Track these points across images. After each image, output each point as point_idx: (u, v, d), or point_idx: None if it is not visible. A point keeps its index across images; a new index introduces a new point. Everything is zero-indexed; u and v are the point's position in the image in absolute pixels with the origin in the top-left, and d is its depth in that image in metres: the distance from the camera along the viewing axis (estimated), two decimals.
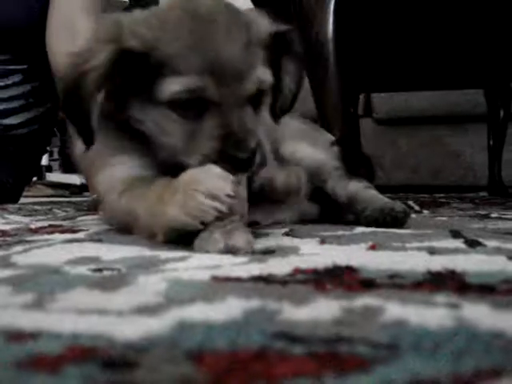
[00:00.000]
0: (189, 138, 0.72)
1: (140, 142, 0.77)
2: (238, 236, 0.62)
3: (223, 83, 0.69)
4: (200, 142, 0.71)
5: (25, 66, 1.72)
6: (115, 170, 0.78)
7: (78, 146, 0.82)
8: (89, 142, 0.76)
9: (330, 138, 1.16)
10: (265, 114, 0.86)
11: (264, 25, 0.78)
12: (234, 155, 0.69)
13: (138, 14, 0.75)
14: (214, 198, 0.62)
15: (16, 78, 1.72)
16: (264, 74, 0.74)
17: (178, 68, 0.69)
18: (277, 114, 0.88)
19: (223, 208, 0.63)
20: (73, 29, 1.48)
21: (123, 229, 0.78)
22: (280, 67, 0.82)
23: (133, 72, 0.71)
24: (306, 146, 1.07)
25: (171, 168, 0.72)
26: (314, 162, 1.05)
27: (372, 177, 1.09)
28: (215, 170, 0.66)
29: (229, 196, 0.63)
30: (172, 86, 0.69)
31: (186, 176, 0.67)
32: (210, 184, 0.63)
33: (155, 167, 0.77)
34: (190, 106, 0.71)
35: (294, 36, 0.82)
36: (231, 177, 0.65)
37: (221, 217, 0.63)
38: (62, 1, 1.54)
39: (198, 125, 0.71)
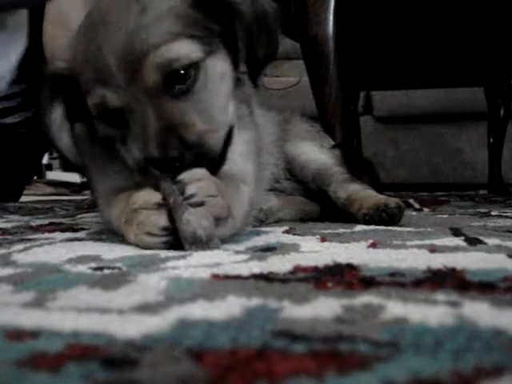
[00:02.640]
0: (124, 144, 0.70)
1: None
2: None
3: (119, 87, 0.64)
4: (125, 150, 0.70)
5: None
6: (105, 179, 0.79)
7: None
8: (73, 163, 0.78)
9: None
10: (263, 117, 0.83)
11: None
12: (158, 158, 0.64)
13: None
14: (151, 234, 0.63)
15: (13, 76, 1.72)
16: (173, 50, 0.64)
17: (84, 85, 0.68)
18: (250, 74, 0.75)
19: (166, 239, 0.63)
20: (68, 23, 1.48)
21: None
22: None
23: (70, 94, 0.72)
24: (311, 149, 1.08)
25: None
26: (319, 165, 1.05)
27: (376, 181, 1.08)
28: (141, 199, 0.65)
29: (164, 228, 0.62)
30: (89, 104, 0.68)
31: (128, 206, 0.66)
32: (144, 222, 0.63)
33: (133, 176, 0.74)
34: (106, 115, 0.68)
35: None
36: (157, 198, 0.63)
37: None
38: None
39: (126, 130, 0.68)
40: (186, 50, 0.65)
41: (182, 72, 0.65)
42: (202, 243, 0.61)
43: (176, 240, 0.63)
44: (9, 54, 1.54)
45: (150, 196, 0.65)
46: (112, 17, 0.65)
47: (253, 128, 0.84)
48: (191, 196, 0.62)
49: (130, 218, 0.66)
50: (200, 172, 0.65)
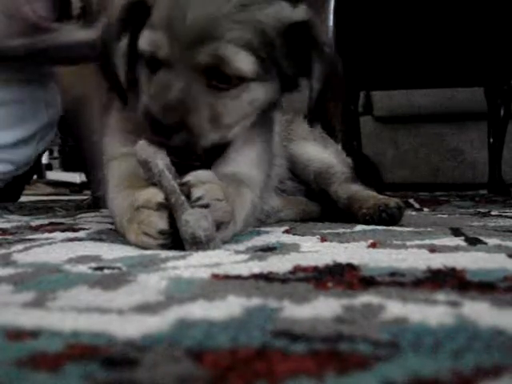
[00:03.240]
0: (148, 91, 0.71)
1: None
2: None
3: (177, 45, 0.66)
4: (143, 97, 0.71)
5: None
6: (114, 167, 0.79)
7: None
8: (123, 98, 0.77)
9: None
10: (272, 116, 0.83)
11: (279, 13, 0.70)
12: (154, 116, 0.66)
13: None
14: (148, 235, 0.63)
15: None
16: (232, 55, 0.66)
17: (152, 22, 0.69)
18: (310, 121, 0.81)
19: (163, 242, 0.63)
20: None
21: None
22: (307, 64, 0.74)
23: (137, 25, 0.71)
24: (314, 149, 1.08)
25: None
26: (322, 164, 1.05)
27: (379, 181, 1.08)
28: (143, 197, 0.65)
29: (161, 232, 0.63)
30: (142, 40, 0.70)
31: (131, 203, 0.67)
32: (144, 222, 0.64)
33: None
34: (151, 61, 0.69)
35: (315, 26, 0.73)
36: (159, 197, 0.63)
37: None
38: None
39: (152, 80, 0.70)
40: (244, 63, 0.67)
41: (228, 77, 0.68)
42: (201, 244, 0.61)
43: (174, 242, 0.63)
44: (57, 101, 1.54)
45: (152, 195, 0.64)
46: None
47: (270, 140, 0.85)
48: (198, 199, 0.63)
49: (133, 217, 0.66)
50: (206, 174, 0.66)
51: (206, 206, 0.62)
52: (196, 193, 0.63)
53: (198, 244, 0.61)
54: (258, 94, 0.72)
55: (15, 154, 1.46)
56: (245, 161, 0.77)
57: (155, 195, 0.64)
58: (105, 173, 0.81)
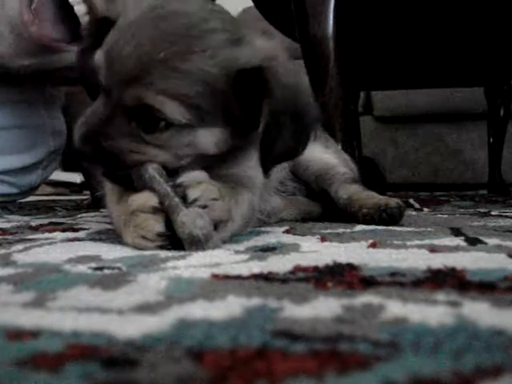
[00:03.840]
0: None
1: None
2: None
3: (112, 74, 0.66)
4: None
5: None
6: None
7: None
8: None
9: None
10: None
11: (228, 60, 0.66)
12: (75, 145, 0.67)
13: None
14: (145, 238, 0.63)
15: None
16: (159, 103, 0.64)
17: (105, 41, 0.69)
18: (262, 166, 0.72)
19: (161, 244, 0.63)
20: None
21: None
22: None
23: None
24: (316, 149, 1.08)
25: None
26: (323, 165, 1.05)
27: (382, 181, 1.08)
28: (137, 202, 0.65)
29: (158, 234, 0.63)
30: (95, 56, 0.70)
31: (126, 207, 0.67)
32: (141, 225, 0.64)
33: None
34: (95, 81, 0.70)
35: (272, 74, 0.66)
36: (153, 201, 0.63)
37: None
38: None
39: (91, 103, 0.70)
40: (172, 112, 0.65)
41: (160, 121, 0.67)
42: (200, 242, 0.61)
43: (172, 244, 0.63)
44: (63, 130, 1.55)
45: (146, 199, 0.65)
46: (165, 28, 0.65)
47: None
48: (195, 200, 0.63)
49: (128, 220, 0.66)
50: (200, 175, 0.66)
51: (204, 207, 0.62)
52: (192, 194, 0.63)
53: (197, 243, 0.61)
54: (197, 138, 0.69)
55: (20, 179, 1.47)
56: (243, 162, 0.76)
57: (149, 199, 0.64)
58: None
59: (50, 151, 1.51)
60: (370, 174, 1.08)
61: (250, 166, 0.78)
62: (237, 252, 0.61)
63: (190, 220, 0.61)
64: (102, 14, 0.77)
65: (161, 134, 0.68)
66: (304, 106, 0.71)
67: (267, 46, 0.70)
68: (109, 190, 0.78)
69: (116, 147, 0.67)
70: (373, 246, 0.65)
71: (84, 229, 0.89)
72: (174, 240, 0.63)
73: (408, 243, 0.66)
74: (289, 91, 0.68)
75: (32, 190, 1.55)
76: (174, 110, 0.65)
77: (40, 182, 1.54)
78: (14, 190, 1.48)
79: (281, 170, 1.02)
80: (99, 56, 0.68)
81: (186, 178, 0.65)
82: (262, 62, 0.67)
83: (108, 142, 0.67)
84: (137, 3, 0.72)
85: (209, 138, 0.70)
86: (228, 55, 0.66)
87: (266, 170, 0.72)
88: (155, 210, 0.64)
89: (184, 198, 0.63)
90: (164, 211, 0.63)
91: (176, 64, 0.64)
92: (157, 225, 0.63)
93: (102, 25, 0.72)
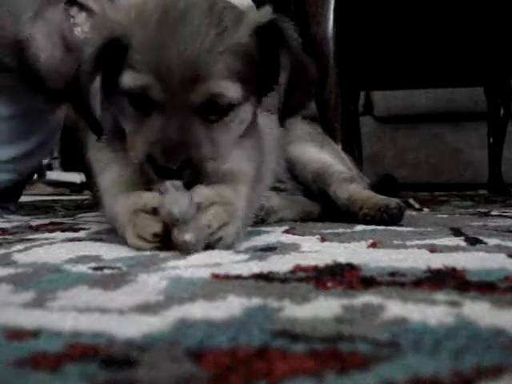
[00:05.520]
0: (136, 131, 0.71)
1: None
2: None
3: (169, 87, 0.67)
4: (138, 141, 0.71)
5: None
6: (111, 172, 0.79)
7: (90, 142, 0.82)
8: (98, 133, 0.77)
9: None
10: (266, 118, 0.84)
11: (250, 21, 0.72)
12: (159, 163, 0.67)
13: (124, 2, 0.77)
14: (142, 238, 0.63)
15: None
16: (222, 89, 0.68)
17: (134, 63, 0.69)
18: (280, 117, 0.80)
19: (157, 245, 0.63)
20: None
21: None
22: (278, 62, 0.75)
23: (113, 61, 0.71)
24: (312, 150, 1.08)
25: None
26: (321, 165, 1.05)
27: (396, 193, 1.07)
28: (142, 201, 0.65)
29: (155, 235, 0.62)
30: (126, 80, 0.69)
31: (129, 206, 0.67)
32: (139, 225, 0.64)
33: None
34: (142, 101, 0.70)
35: (284, 25, 0.75)
36: (156, 203, 0.63)
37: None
38: None
39: (145, 121, 0.70)
40: (233, 92, 0.69)
41: (220, 107, 0.70)
42: (177, 222, 0.60)
43: (167, 247, 0.63)
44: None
45: (150, 199, 0.65)
46: (191, 23, 0.68)
47: (255, 135, 0.85)
48: (208, 227, 0.63)
49: (129, 219, 0.66)
50: (211, 194, 0.66)
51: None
52: (204, 219, 0.63)
53: (175, 223, 0.60)
54: (245, 113, 0.74)
55: (20, 166, 1.47)
56: (234, 156, 0.77)
57: (152, 200, 0.65)
58: (98, 181, 0.81)
59: (48, 133, 1.50)
60: (388, 190, 1.07)
61: (243, 157, 0.79)
62: (237, 252, 0.61)
63: (172, 199, 0.61)
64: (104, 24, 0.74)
65: (225, 119, 0.71)
66: (309, 61, 0.79)
67: (266, 10, 0.77)
68: (108, 188, 0.77)
69: (203, 156, 0.69)
70: (373, 246, 0.65)
71: (84, 229, 0.89)
72: (169, 243, 0.62)
73: (408, 243, 0.66)
74: (298, 44, 0.76)
75: (33, 173, 1.54)
76: (234, 90, 0.69)
77: (39, 164, 1.53)
78: (16, 176, 1.47)
79: (276, 164, 1.03)
80: (143, 77, 0.68)
81: (196, 195, 0.64)
82: (276, 16, 0.74)
83: (194, 150, 0.68)
84: (141, 6, 0.72)
85: (250, 110, 0.75)
86: (247, 19, 0.72)
87: (284, 120, 0.81)
88: (155, 211, 0.63)
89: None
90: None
91: (219, 47, 0.68)
92: (155, 225, 0.63)
93: (110, 47, 0.71)
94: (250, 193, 0.78)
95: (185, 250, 0.60)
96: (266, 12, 0.75)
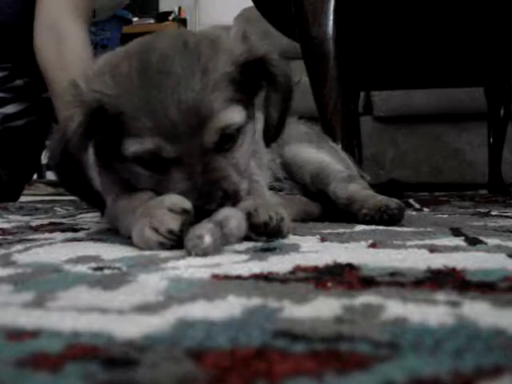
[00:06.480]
0: (158, 187, 0.71)
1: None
2: (224, 210, 0.65)
3: (179, 141, 0.67)
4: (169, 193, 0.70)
5: (9, 65, 1.73)
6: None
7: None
8: (98, 205, 0.78)
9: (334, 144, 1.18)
10: (257, 139, 0.85)
11: (233, 52, 0.72)
12: (200, 208, 0.67)
13: (95, 66, 0.74)
14: (156, 232, 0.63)
15: (0, 74, 1.74)
16: (229, 118, 0.69)
17: (133, 129, 0.67)
18: (267, 140, 0.84)
19: (165, 241, 0.63)
20: (59, 31, 1.52)
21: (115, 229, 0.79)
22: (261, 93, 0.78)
23: (104, 130, 0.70)
24: (309, 150, 1.08)
25: None
26: (318, 165, 1.05)
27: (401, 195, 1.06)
28: (170, 200, 0.65)
29: (170, 232, 0.62)
30: (131, 147, 0.68)
31: (153, 201, 0.68)
32: (157, 218, 0.64)
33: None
34: (154, 162, 0.69)
35: (272, 61, 0.75)
36: (187, 205, 0.64)
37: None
38: (47, 1, 1.56)
39: (165, 176, 0.70)
40: (237, 116, 0.70)
41: (232, 134, 0.71)
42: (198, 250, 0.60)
43: (176, 247, 0.63)
44: None
45: (180, 200, 0.65)
46: (175, 70, 0.67)
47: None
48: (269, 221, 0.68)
49: (148, 212, 0.65)
50: (235, 214, 0.66)
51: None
52: (261, 217, 0.68)
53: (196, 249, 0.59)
54: (250, 131, 0.76)
55: None
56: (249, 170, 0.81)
57: (184, 201, 0.65)
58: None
59: None
60: (392, 194, 1.06)
61: (253, 168, 0.83)
62: (237, 252, 0.61)
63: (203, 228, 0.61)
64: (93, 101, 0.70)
65: (238, 143, 0.73)
66: (291, 92, 0.80)
67: (263, 43, 0.77)
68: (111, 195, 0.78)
69: (234, 184, 0.71)
70: (373, 246, 0.65)
71: (84, 229, 0.89)
72: (177, 246, 0.63)
73: (408, 243, 0.66)
74: (286, 78, 0.78)
75: None
76: (238, 115, 0.71)
77: None
78: None
79: (272, 160, 1.03)
80: (149, 141, 0.67)
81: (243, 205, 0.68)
82: (264, 53, 0.75)
83: (225, 183, 0.69)
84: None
85: (251, 125, 0.77)
86: (223, 48, 0.72)
87: (273, 139, 0.85)
88: (183, 212, 0.64)
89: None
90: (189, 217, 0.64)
91: (210, 82, 0.67)
92: (174, 222, 0.63)
93: (95, 117, 0.69)
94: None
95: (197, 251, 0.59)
96: (243, 38, 0.75)
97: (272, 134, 0.82)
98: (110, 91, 0.68)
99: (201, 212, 0.66)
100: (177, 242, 0.62)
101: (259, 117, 0.84)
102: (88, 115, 0.69)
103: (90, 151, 0.73)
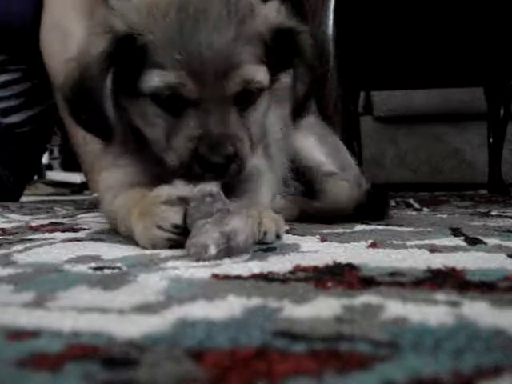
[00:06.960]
0: (169, 133, 0.70)
1: (142, 144, 0.75)
2: (234, 220, 0.61)
3: (203, 81, 0.66)
4: (177, 140, 0.69)
5: (23, 66, 1.75)
6: (115, 172, 0.79)
7: (89, 142, 0.82)
8: (107, 136, 0.76)
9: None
10: (272, 114, 0.85)
11: (268, 18, 0.73)
12: (207, 159, 0.66)
13: (128, 3, 0.72)
14: (160, 228, 0.63)
15: (15, 75, 1.74)
16: (254, 73, 0.69)
17: (160, 60, 0.66)
18: (293, 116, 0.83)
19: (173, 236, 0.62)
20: (64, 30, 1.54)
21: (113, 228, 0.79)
22: (291, 66, 0.78)
23: (125, 61, 0.69)
24: (311, 144, 1.08)
25: (164, 171, 0.71)
26: (312, 162, 1.06)
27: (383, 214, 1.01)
28: (165, 192, 0.65)
29: (176, 226, 0.62)
30: (153, 80, 0.67)
31: (147, 198, 0.67)
32: (159, 215, 0.63)
33: (152, 172, 0.76)
34: (171, 101, 0.68)
35: (302, 34, 0.77)
36: (182, 191, 0.63)
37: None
38: (54, 1, 1.58)
39: (178, 121, 0.69)
40: (263, 75, 0.71)
41: (251, 92, 0.71)
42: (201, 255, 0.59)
43: (182, 240, 0.62)
44: None
45: (174, 190, 0.64)
46: (213, 13, 0.67)
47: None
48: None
49: (146, 211, 0.65)
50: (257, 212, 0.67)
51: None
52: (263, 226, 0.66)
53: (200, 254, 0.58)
54: (266, 102, 0.76)
55: None
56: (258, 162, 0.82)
57: (176, 190, 0.64)
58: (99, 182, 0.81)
59: None
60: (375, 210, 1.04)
61: (257, 159, 0.81)
62: None
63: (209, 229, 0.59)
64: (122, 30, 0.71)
65: (254, 107, 0.72)
66: (317, 66, 0.81)
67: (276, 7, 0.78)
68: (109, 187, 0.77)
69: (246, 150, 0.70)
70: (373, 246, 0.65)
71: (84, 229, 0.89)
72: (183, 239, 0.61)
73: (408, 243, 0.66)
74: (313, 49, 0.79)
75: None
76: (263, 74, 0.71)
77: None
78: None
79: (282, 167, 1.03)
80: (173, 75, 0.66)
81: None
82: (295, 25, 0.76)
83: (239, 144, 0.68)
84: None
85: (270, 96, 0.77)
86: (261, 14, 0.73)
87: (300, 115, 0.84)
88: (180, 202, 0.63)
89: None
90: (186, 205, 0.63)
91: (243, 35, 0.68)
92: (176, 216, 0.62)
93: (122, 44, 0.68)
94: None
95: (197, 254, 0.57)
96: (278, 10, 0.76)
97: (299, 110, 0.82)
98: (143, 21, 0.68)
99: (205, 165, 0.66)
100: (184, 233, 0.62)
101: (277, 107, 0.85)
102: (114, 42, 0.69)
103: (108, 81, 0.70)
